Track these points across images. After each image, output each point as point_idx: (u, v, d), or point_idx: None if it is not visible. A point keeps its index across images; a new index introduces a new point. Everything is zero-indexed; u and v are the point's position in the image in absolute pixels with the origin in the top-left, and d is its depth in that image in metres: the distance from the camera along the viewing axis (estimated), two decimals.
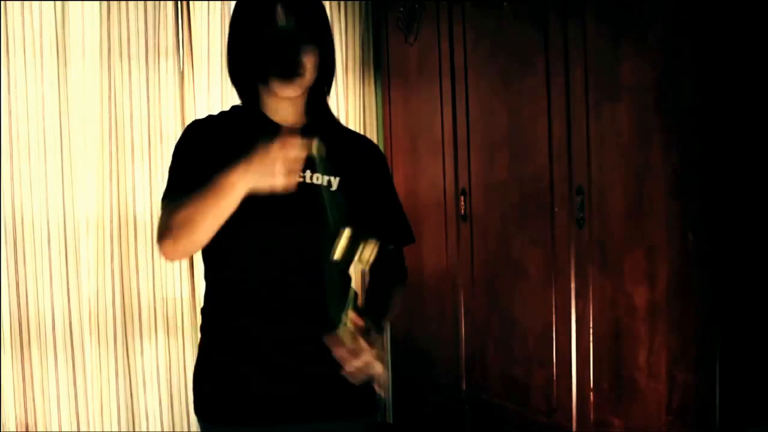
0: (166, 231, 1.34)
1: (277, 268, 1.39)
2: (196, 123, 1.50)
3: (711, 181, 1.90)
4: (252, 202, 1.37)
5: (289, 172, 1.22)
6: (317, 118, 1.50)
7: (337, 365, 1.42)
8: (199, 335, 1.54)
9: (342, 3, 3.26)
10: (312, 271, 1.42)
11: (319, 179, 1.43)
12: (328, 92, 1.51)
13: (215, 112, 1.55)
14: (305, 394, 1.44)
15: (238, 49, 1.43)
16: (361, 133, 2.71)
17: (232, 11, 1.47)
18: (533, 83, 2.36)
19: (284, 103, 1.45)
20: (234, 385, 1.44)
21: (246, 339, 1.43)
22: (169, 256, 1.39)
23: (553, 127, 2.30)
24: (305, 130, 1.44)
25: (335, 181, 1.44)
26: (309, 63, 1.39)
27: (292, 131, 1.33)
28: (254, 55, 1.39)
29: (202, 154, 1.42)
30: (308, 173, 1.42)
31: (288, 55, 1.36)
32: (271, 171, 1.21)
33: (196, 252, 1.42)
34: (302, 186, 1.41)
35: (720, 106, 1.91)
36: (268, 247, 1.39)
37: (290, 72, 1.37)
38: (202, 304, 1.53)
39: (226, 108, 1.56)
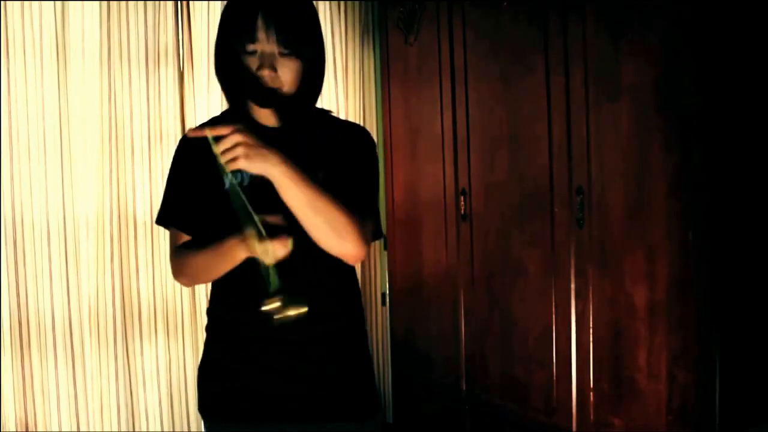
0: (182, 275, 1.51)
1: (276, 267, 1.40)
2: (185, 139, 1.54)
3: (711, 181, 1.90)
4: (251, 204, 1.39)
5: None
6: (301, 119, 1.49)
7: (340, 366, 1.43)
8: (201, 335, 1.56)
9: (342, 3, 3.26)
10: (313, 271, 1.42)
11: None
12: (314, 100, 1.50)
13: (206, 121, 1.58)
14: (306, 394, 1.44)
15: (221, 61, 1.45)
16: None
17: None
18: (533, 83, 2.36)
19: (266, 110, 1.46)
20: (236, 384, 1.45)
21: (249, 339, 1.44)
22: (188, 286, 1.52)
23: (553, 127, 2.30)
24: (282, 132, 1.47)
25: (320, 175, 1.44)
26: (288, 76, 1.39)
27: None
28: (233, 71, 1.40)
29: (193, 171, 1.48)
30: None
31: (264, 71, 1.37)
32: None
33: None
34: None
35: (720, 106, 1.91)
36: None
37: (264, 96, 1.39)
38: (207, 305, 1.56)
39: (225, 109, 1.58)
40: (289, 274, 1.34)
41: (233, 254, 1.36)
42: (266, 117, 1.48)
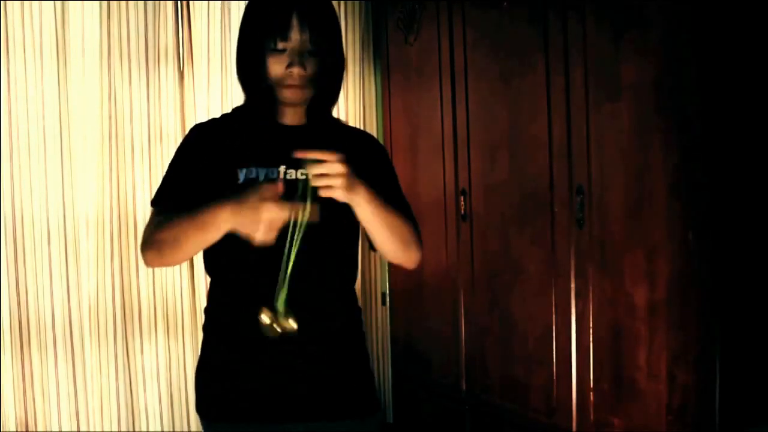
0: (151, 244, 1.41)
1: (276, 266, 1.40)
2: (198, 127, 1.53)
3: (711, 180, 1.90)
4: None
5: (269, 231, 1.28)
6: (318, 120, 1.51)
7: (339, 365, 1.43)
8: (200, 334, 1.55)
9: (342, 3, 3.26)
10: (312, 270, 1.42)
11: None
12: (334, 100, 1.52)
13: (218, 115, 1.58)
14: (306, 393, 1.44)
15: (247, 54, 1.44)
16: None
17: (243, 11, 1.47)
18: (533, 83, 2.36)
19: (288, 106, 1.46)
20: (235, 384, 1.45)
21: (247, 338, 1.43)
22: (151, 265, 1.48)
23: (553, 127, 2.30)
24: (305, 130, 1.47)
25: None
26: (315, 74, 1.40)
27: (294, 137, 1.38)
28: (263, 63, 1.40)
29: (201, 160, 1.46)
30: None
31: (294, 68, 1.38)
32: (255, 225, 1.27)
33: (178, 264, 1.48)
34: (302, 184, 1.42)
35: (720, 106, 1.91)
36: (267, 246, 1.40)
37: (293, 86, 1.40)
38: (205, 304, 1.55)
39: (226, 108, 1.58)
40: (296, 275, 1.35)
41: (215, 223, 1.31)
42: (288, 116, 1.48)
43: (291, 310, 1.34)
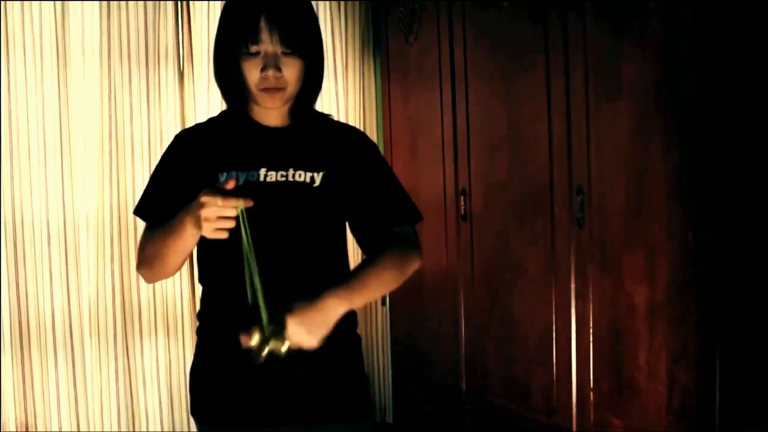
0: (142, 263, 1.46)
1: (264, 268, 1.39)
2: (182, 134, 1.56)
3: (711, 181, 1.90)
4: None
5: (215, 230, 1.25)
6: (301, 120, 1.51)
7: (332, 368, 1.43)
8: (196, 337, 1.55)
9: (342, 3, 3.26)
10: (299, 270, 1.42)
11: (302, 176, 1.44)
12: (315, 99, 1.52)
13: (204, 120, 1.59)
14: (298, 396, 1.44)
15: (222, 59, 1.45)
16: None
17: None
18: (533, 83, 2.36)
19: (270, 108, 1.47)
20: (228, 386, 1.45)
21: (238, 340, 1.42)
22: (149, 281, 1.53)
23: (553, 127, 2.30)
24: (287, 131, 1.49)
25: (318, 177, 1.45)
26: (292, 75, 1.40)
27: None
28: (237, 69, 1.40)
29: (184, 168, 1.47)
30: (291, 171, 1.44)
31: (268, 71, 1.37)
32: (201, 224, 1.25)
33: (173, 275, 1.51)
34: (285, 185, 1.42)
35: (720, 106, 1.91)
36: (255, 248, 1.39)
37: (270, 89, 1.40)
38: (199, 307, 1.55)
39: (225, 108, 1.58)
40: (278, 279, 1.35)
41: (182, 229, 1.30)
42: (270, 118, 1.48)
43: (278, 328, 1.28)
